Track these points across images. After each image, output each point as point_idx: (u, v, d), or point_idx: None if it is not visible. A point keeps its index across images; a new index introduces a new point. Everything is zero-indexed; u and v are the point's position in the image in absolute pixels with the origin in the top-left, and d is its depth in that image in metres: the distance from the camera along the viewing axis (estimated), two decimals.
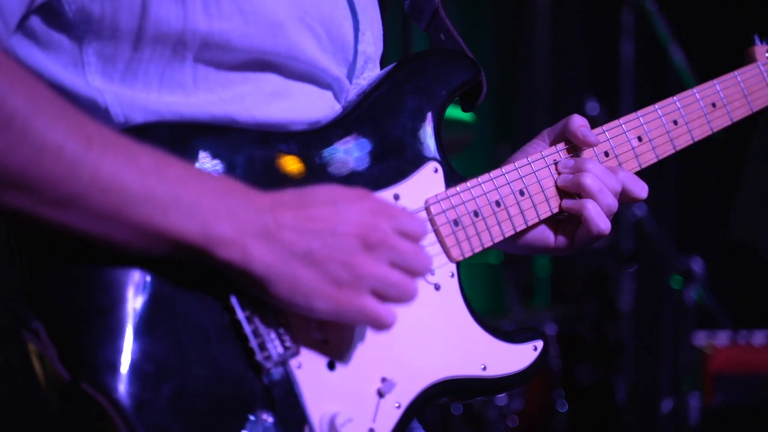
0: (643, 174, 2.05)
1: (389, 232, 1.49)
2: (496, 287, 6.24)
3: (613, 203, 1.79)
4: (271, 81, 1.63)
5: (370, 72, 1.79)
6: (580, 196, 1.80)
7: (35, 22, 1.52)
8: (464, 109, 1.85)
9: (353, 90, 1.76)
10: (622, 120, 1.90)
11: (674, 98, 1.96)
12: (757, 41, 2.18)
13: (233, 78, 1.59)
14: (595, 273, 5.81)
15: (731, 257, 5.98)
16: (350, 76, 1.75)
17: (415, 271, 1.51)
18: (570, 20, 6.71)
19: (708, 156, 5.94)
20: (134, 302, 1.42)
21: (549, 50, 6.59)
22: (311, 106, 1.67)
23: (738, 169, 3.11)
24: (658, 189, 6.10)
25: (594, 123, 4.74)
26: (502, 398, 4.63)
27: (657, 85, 6.00)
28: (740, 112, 2.05)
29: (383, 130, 1.69)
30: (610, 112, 5.42)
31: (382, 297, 1.49)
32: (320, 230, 1.46)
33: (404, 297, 1.50)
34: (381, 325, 1.49)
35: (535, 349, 1.77)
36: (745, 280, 5.88)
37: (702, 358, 5.05)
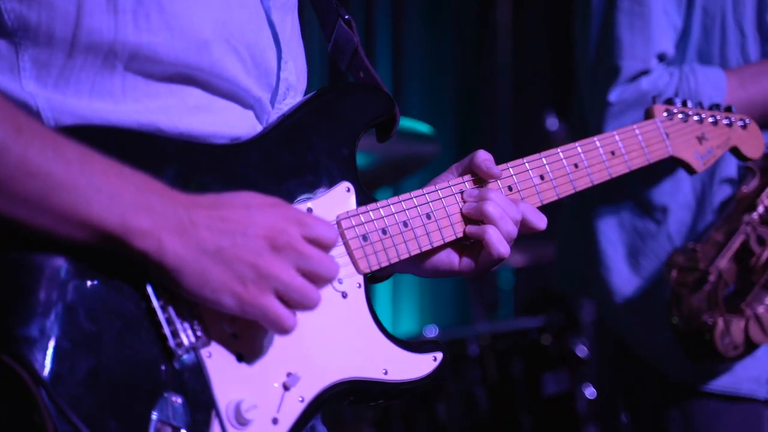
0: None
1: (297, 238, 1.59)
2: (462, 300, 6.29)
3: (512, 230, 1.92)
4: (195, 95, 1.73)
5: (292, 99, 1.90)
6: (483, 223, 1.92)
7: None
8: (379, 140, 1.97)
9: (274, 114, 1.86)
10: (526, 159, 2.04)
11: (576, 144, 2.12)
12: (658, 101, 2.39)
13: (160, 89, 1.69)
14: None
15: None
16: (272, 100, 1.86)
17: (320, 276, 1.61)
18: (531, 36, 6.80)
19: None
20: (55, 284, 1.51)
21: (510, 66, 6.67)
22: (233, 122, 1.78)
23: None
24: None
25: (554, 138, 4.85)
26: (465, 410, 4.67)
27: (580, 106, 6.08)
28: (638, 162, 2.23)
29: (300, 149, 1.81)
30: (570, 127, 5.50)
31: (285, 300, 1.59)
32: (231, 230, 1.56)
33: (305, 302, 1.60)
34: (280, 327, 1.59)
35: (435, 359, 1.88)
36: None
37: None
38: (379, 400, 1.83)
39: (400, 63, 6.25)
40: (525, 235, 1.98)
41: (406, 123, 4.06)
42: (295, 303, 1.59)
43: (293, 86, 1.90)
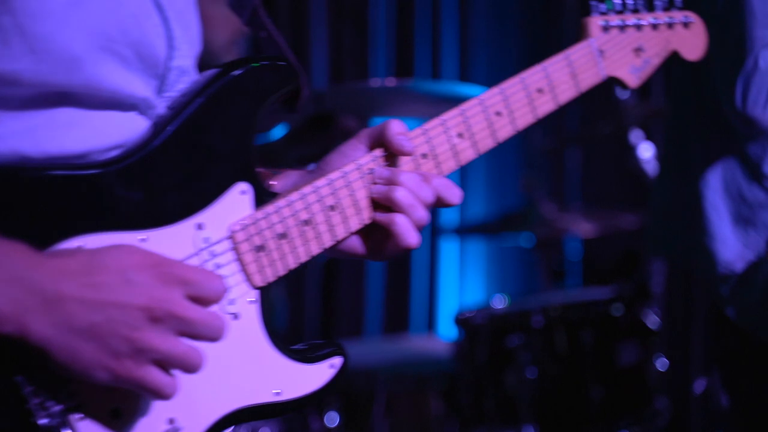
0: None
1: (179, 302, 1.50)
2: (529, 270, 6.25)
3: (423, 216, 1.77)
4: (66, 113, 1.59)
5: (184, 84, 1.74)
6: (392, 209, 1.77)
7: None
8: (286, 112, 1.80)
9: (163, 103, 1.71)
10: (445, 116, 1.85)
11: (500, 87, 1.89)
12: (594, 9, 2.07)
13: (24, 111, 1.56)
14: (626, 255, 5.81)
15: None
16: (161, 89, 1.71)
17: (204, 338, 1.54)
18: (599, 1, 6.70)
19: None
20: None
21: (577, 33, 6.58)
22: (112, 131, 1.63)
23: None
24: None
25: (624, 107, 4.70)
26: (534, 381, 4.65)
27: (688, 65, 5.98)
28: (567, 95, 1.97)
29: (188, 152, 1.64)
30: (641, 94, 5.41)
31: (166, 368, 1.51)
32: (103, 301, 1.45)
33: (189, 368, 1.52)
34: (160, 396, 1.51)
35: (332, 366, 1.75)
36: None
37: None
38: (270, 418, 1.73)
39: (467, 29, 6.21)
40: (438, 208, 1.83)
41: (472, 89, 4.01)
42: (177, 368, 1.52)
43: (186, 71, 1.72)
